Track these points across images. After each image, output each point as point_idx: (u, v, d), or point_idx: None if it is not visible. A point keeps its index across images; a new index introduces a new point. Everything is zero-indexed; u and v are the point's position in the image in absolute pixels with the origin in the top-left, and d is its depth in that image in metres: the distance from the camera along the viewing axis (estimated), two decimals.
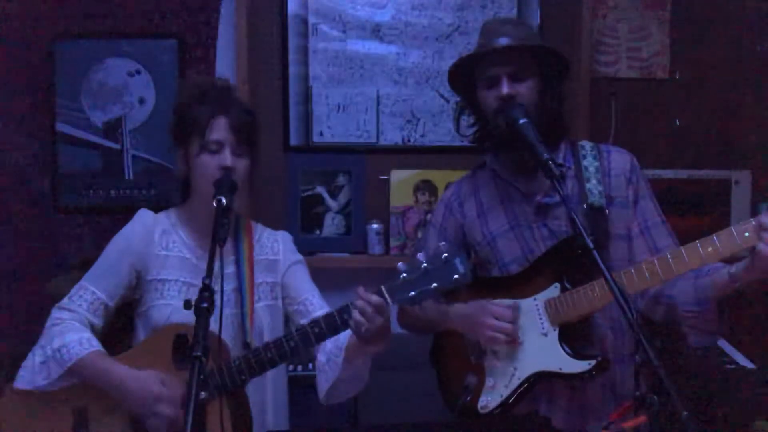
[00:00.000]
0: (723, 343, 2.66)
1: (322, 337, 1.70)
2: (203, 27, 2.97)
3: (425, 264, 1.59)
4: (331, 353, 1.81)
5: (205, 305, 1.46)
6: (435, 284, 1.59)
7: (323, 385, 1.84)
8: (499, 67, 1.85)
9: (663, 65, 3.07)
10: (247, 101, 2.82)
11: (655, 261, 1.71)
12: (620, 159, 1.93)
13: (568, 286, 1.81)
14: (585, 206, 1.83)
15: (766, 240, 1.55)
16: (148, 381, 1.74)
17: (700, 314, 1.74)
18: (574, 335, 1.81)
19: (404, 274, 1.60)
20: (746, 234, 1.59)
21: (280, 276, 1.97)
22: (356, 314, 1.62)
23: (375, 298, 1.60)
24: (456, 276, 1.58)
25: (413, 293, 1.60)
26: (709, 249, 1.63)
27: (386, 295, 1.61)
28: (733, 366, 2.51)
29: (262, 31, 2.99)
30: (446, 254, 1.58)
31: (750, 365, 2.52)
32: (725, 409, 2.43)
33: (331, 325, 1.69)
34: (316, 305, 1.93)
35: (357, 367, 1.77)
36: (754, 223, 1.59)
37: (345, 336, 1.73)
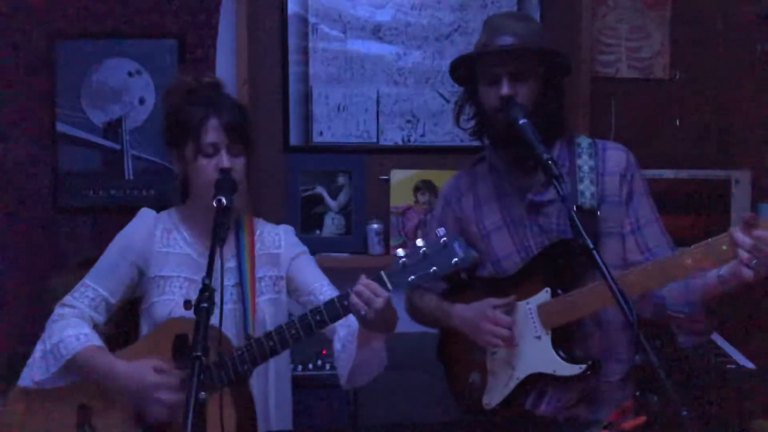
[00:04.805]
0: (723, 343, 2.66)
1: (323, 324, 1.72)
2: (203, 27, 2.98)
3: (424, 248, 1.61)
4: (345, 340, 1.83)
5: (205, 305, 1.46)
6: (434, 268, 1.61)
7: (343, 371, 1.86)
8: (501, 67, 1.85)
9: (663, 65, 3.08)
10: (247, 101, 2.83)
11: (630, 273, 1.72)
12: (616, 156, 1.93)
13: (558, 291, 1.84)
14: (575, 207, 1.83)
15: (744, 257, 1.55)
16: (143, 370, 1.75)
17: (689, 315, 1.76)
18: (567, 338, 1.85)
19: (404, 259, 1.62)
20: (723, 247, 1.60)
21: (283, 269, 1.97)
22: (353, 298, 1.64)
23: (372, 283, 1.63)
24: (455, 259, 1.59)
25: (413, 277, 1.62)
26: (689, 261, 1.65)
27: (386, 280, 1.63)
28: (733, 366, 2.51)
29: (262, 31, 2.99)
30: (444, 238, 1.60)
31: (750, 365, 2.52)
32: (725, 409, 2.43)
33: (331, 312, 1.70)
34: (326, 293, 1.92)
35: (372, 350, 1.80)
36: (729, 237, 1.59)
37: (357, 322, 1.74)
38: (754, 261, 1.53)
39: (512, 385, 1.88)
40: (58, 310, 1.87)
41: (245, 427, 1.77)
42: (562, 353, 1.83)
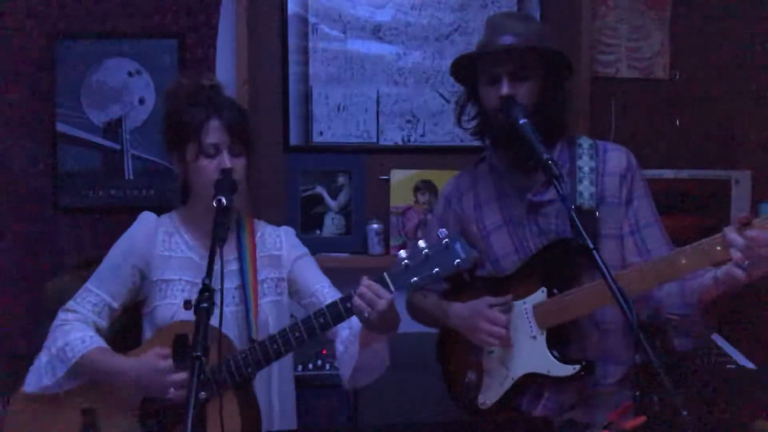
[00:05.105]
0: (723, 343, 2.66)
1: (326, 327, 1.72)
2: (203, 27, 2.97)
3: (426, 250, 1.61)
4: (347, 341, 1.84)
5: (205, 305, 1.46)
6: (437, 269, 1.61)
7: (345, 372, 1.87)
8: (501, 66, 1.85)
9: (663, 65, 3.08)
10: (247, 101, 2.84)
11: (625, 274, 1.72)
12: (616, 157, 1.93)
13: (554, 291, 1.84)
14: (573, 208, 1.83)
15: (737, 258, 1.53)
16: (154, 358, 1.76)
17: (686, 318, 1.75)
18: (562, 338, 1.85)
19: (406, 261, 1.62)
20: (718, 248, 1.59)
21: (285, 271, 1.98)
22: (356, 300, 1.64)
23: (375, 284, 1.63)
24: (457, 260, 1.60)
25: (415, 279, 1.62)
26: (683, 261, 1.64)
27: (388, 282, 1.63)
28: (733, 366, 2.51)
29: (262, 31, 2.99)
30: (447, 239, 1.60)
31: (750, 365, 2.52)
32: (725, 409, 2.42)
33: (335, 314, 1.71)
34: (327, 295, 1.92)
35: (374, 351, 1.80)
36: (722, 238, 1.58)
37: (359, 324, 1.75)
38: (746, 262, 1.52)
39: (507, 384, 1.89)
40: (61, 316, 1.87)
41: (250, 429, 1.76)
42: (556, 354, 1.83)
